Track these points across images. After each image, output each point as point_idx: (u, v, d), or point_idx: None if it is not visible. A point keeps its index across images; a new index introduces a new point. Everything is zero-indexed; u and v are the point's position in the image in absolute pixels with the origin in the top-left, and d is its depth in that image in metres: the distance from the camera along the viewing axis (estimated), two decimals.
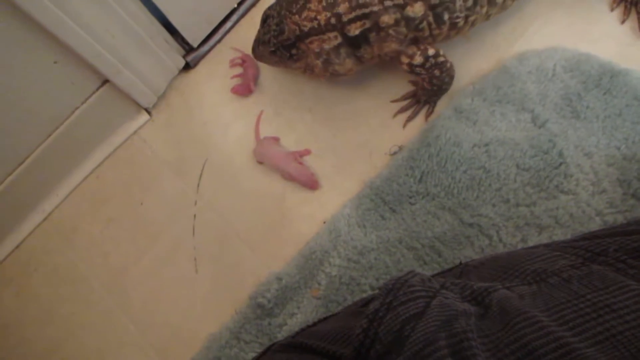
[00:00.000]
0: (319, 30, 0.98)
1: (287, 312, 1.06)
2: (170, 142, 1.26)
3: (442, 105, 1.13)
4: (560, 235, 0.99)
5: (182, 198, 1.21)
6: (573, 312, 0.52)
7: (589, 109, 1.05)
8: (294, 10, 0.98)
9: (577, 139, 1.04)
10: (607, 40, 1.10)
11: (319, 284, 1.06)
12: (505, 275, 0.65)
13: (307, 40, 1.00)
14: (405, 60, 1.02)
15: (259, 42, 1.07)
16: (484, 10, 1.01)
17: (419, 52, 1.01)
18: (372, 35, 0.98)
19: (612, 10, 1.12)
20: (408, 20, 0.96)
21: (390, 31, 0.97)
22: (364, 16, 0.95)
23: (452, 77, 1.07)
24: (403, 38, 0.99)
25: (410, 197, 1.07)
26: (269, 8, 1.05)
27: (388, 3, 0.94)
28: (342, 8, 0.95)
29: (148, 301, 1.16)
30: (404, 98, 1.15)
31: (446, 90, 1.10)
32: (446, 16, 0.97)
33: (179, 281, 1.16)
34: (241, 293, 1.10)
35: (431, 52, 1.01)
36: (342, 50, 1.00)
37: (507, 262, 0.68)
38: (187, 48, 1.28)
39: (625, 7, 1.11)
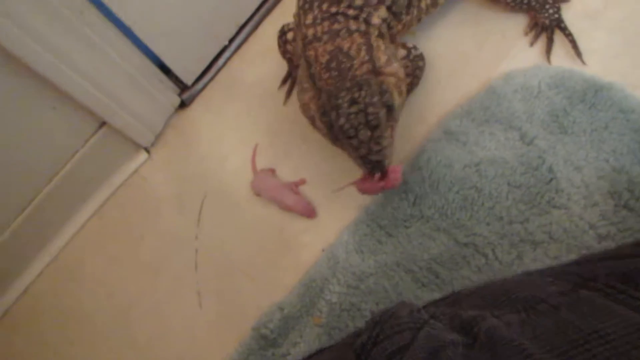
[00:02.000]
0: (369, 47, 0.98)
1: (290, 341, 1.08)
2: (170, 179, 1.29)
3: (431, 127, 1.15)
4: (554, 250, 1.00)
5: (184, 233, 1.23)
6: (561, 339, 0.52)
7: (576, 124, 1.07)
8: (348, 65, 0.96)
9: (566, 154, 1.05)
10: (590, 55, 1.12)
11: (320, 311, 1.07)
12: (495, 303, 0.66)
13: (377, 63, 0.97)
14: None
15: (376, 146, 0.93)
16: (414, 12, 1.10)
17: (400, 47, 1.07)
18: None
19: (525, 34, 1.19)
20: (382, 20, 1.04)
21: (382, 29, 1.03)
22: (365, 21, 1.01)
23: (424, 71, 1.14)
24: (387, 35, 1.05)
25: (405, 221, 1.09)
26: (339, 121, 0.94)
27: (365, 10, 1.01)
28: (352, 25, 1.00)
29: (153, 337, 1.17)
30: None
31: (417, 84, 1.16)
32: (398, 11, 1.06)
33: (183, 315, 1.17)
34: (244, 324, 1.12)
35: (409, 45, 1.09)
36: (389, 47, 1.04)
37: (499, 290, 0.69)
38: (182, 86, 1.31)
39: (535, 32, 1.17)
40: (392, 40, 1.09)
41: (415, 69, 1.11)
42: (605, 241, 0.98)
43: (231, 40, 1.34)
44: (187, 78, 1.30)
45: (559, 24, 1.14)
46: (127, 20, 1.09)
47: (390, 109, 0.94)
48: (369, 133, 0.91)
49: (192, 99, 1.34)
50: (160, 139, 1.33)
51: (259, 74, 1.33)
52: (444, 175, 1.09)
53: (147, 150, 1.31)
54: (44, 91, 1.00)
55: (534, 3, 1.14)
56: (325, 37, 0.99)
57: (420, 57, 1.11)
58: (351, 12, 1.00)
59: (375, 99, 0.92)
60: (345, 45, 0.97)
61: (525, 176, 1.05)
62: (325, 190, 1.17)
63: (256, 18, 1.37)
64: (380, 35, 1.04)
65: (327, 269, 1.09)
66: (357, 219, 1.12)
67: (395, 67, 0.99)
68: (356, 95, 0.92)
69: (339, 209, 1.15)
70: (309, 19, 1.01)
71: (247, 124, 1.29)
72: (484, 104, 1.12)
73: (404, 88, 1.01)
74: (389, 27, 1.06)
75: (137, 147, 1.29)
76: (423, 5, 1.12)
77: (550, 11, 1.14)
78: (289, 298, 1.09)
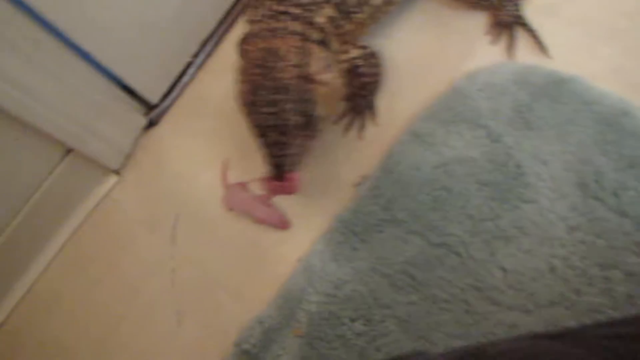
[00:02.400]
0: (303, 53, 0.99)
1: (272, 354, 1.08)
2: (142, 200, 1.28)
3: (399, 130, 1.16)
4: (527, 244, 1.01)
5: (159, 253, 1.23)
6: None
7: (541, 118, 1.08)
8: (275, 65, 0.97)
9: (533, 149, 1.07)
10: (551, 50, 1.13)
11: (300, 322, 1.07)
12: None
13: (308, 70, 0.98)
14: (344, 57, 1.07)
15: (280, 151, 0.95)
16: (367, 10, 1.09)
17: (352, 47, 1.08)
18: (324, 35, 1.04)
19: (487, 34, 1.19)
20: (329, 18, 1.04)
21: (327, 28, 1.04)
22: (309, 22, 1.02)
23: (383, 68, 1.14)
24: (335, 35, 1.06)
25: (378, 226, 1.09)
26: (254, 116, 0.97)
27: (310, 8, 1.02)
28: (292, 26, 1.00)
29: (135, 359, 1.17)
30: (343, 116, 1.19)
31: (381, 83, 1.15)
32: (347, 10, 1.06)
33: (163, 336, 1.17)
34: (226, 340, 1.11)
35: (361, 43, 1.09)
36: (327, 56, 1.03)
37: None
38: (148, 106, 1.31)
39: (496, 30, 1.18)
40: (343, 40, 1.09)
41: (371, 68, 1.11)
42: (576, 232, 1.00)
43: (195, 56, 1.34)
44: (153, 97, 1.29)
45: (520, 21, 1.16)
46: (86, 46, 1.09)
47: (309, 119, 0.95)
48: (276, 136, 0.93)
49: (160, 117, 1.33)
50: (129, 160, 1.32)
51: (226, 87, 1.31)
52: (414, 178, 1.09)
53: (117, 172, 1.31)
54: (4, 123, 0.99)
55: (494, 0, 1.15)
56: (263, 34, 1.00)
57: (373, 54, 1.11)
58: (296, 10, 1.01)
59: (291, 105, 0.93)
60: (279, 45, 0.98)
61: (493, 173, 1.06)
62: (298, 201, 1.17)
63: (219, 32, 1.36)
64: (325, 36, 1.04)
65: (304, 279, 1.09)
66: (330, 227, 1.12)
67: (328, 77, 1.00)
68: (274, 97, 0.93)
69: (312, 219, 1.15)
70: (255, 16, 1.03)
71: (217, 139, 1.29)
72: (450, 104, 1.13)
73: (334, 100, 1.04)
74: (337, 27, 1.06)
75: (107, 170, 1.29)
76: (376, 2, 1.11)
77: (511, 8, 1.15)
78: (268, 311, 1.09)
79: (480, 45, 1.18)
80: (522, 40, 1.16)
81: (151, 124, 1.33)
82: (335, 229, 1.11)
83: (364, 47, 1.09)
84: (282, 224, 1.15)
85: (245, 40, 1.03)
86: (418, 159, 1.11)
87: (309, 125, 0.96)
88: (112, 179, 1.30)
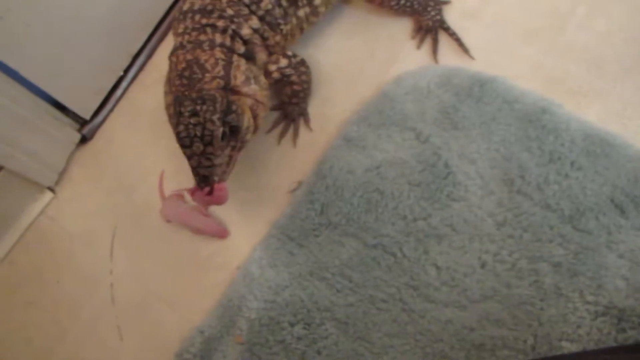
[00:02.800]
0: (228, 64, 1.00)
1: None
2: (78, 216, 1.27)
3: (332, 136, 1.18)
4: (458, 241, 1.05)
5: (97, 269, 1.21)
6: None
7: (466, 118, 1.12)
8: (199, 76, 0.98)
9: (460, 148, 1.10)
10: (473, 52, 1.18)
11: (241, 329, 1.08)
12: None
13: (232, 81, 0.99)
14: (273, 67, 1.09)
15: (207, 161, 0.94)
16: (294, 21, 1.13)
17: (279, 57, 1.10)
18: (250, 47, 1.06)
19: (412, 38, 1.24)
20: (255, 30, 1.07)
21: (254, 39, 1.06)
22: (234, 34, 1.03)
23: (311, 75, 1.16)
24: (262, 45, 1.09)
25: (314, 230, 1.11)
26: (179, 127, 0.96)
27: (236, 21, 1.04)
28: (218, 38, 1.01)
29: None
30: (277, 124, 1.22)
31: (311, 89, 1.18)
32: (274, 22, 1.09)
33: (105, 352, 1.16)
34: (168, 352, 1.11)
35: (289, 53, 1.11)
36: (252, 68, 1.05)
37: None
38: (81, 121, 1.30)
39: (420, 35, 1.23)
40: (272, 51, 1.11)
41: (300, 75, 1.13)
42: (504, 227, 1.03)
43: (127, 70, 1.33)
44: (85, 112, 1.28)
45: (442, 25, 1.19)
46: (11, 62, 1.07)
47: (234, 129, 0.96)
48: (201, 147, 0.93)
49: (94, 132, 1.32)
50: (64, 176, 1.30)
51: (159, 100, 1.31)
52: (347, 181, 1.11)
53: (51, 189, 1.29)
54: None
55: (416, 6, 1.19)
56: (189, 46, 1.01)
57: (301, 62, 1.13)
58: (220, 23, 1.02)
59: (217, 116, 0.93)
60: (204, 57, 0.99)
61: (423, 173, 1.09)
62: (235, 210, 1.18)
63: (150, 45, 1.37)
64: (251, 49, 1.06)
65: (244, 286, 1.10)
66: (267, 234, 1.13)
67: (254, 89, 1.02)
68: (198, 107, 0.94)
69: (250, 227, 1.16)
70: (181, 29, 1.04)
71: (152, 152, 1.29)
72: (379, 108, 1.16)
73: (260, 111, 1.04)
74: (264, 38, 1.09)
75: (41, 187, 1.27)
76: (302, 14, 1.14)
77: (433, 13, 1.19)
78: (208, 320, 1.09)
79: (407, 50, 1.22)
80: (446, 43, 1.20)
81: (85, 139, 1.31)
82: (272, 235, 1.12)
83: (292, 56, 1.11)
84: (220, 233, 1.15)
85: (172, 52, 1.03)
86: (351, 163, 1.13)
87: (234, 136, 0.97)
88: (47, 196, 1.28)
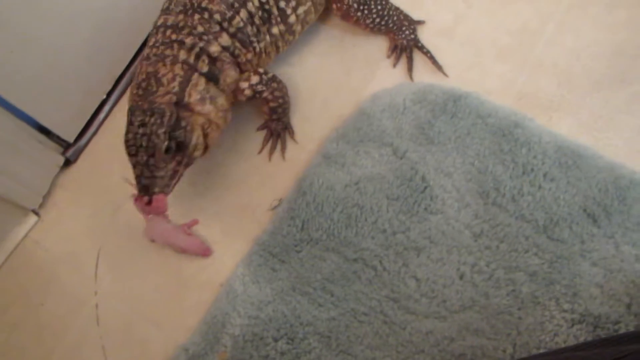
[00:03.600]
0: (185, 82, 1.03)
1: None
2: (63, 239, 1.28)
3: (311, 153, 1.20)
4: (436, 253, 1.07)
5: (82, 290, 1.22)
6: None
7: (441, 134, 1.15)
8: (154, 89, 1.02)
9: (436, 162, 1.13)
10: (447, 69, 1.21)
11: (225, 346, 1.09)
12: None
13: (186, 98, 1.02)
14: (245, 85, 1.12)
15: (149, 171, 0.98)
16: (267, 39, 1.16)
17: (251, 74, 1.13)
18: (216, 67, 1.08)
19: (388, 57, 1.28)
20: (225, 48, 1.09)
21: (222, 56, 1.08)
22: (201, 52, 1.06)
23: (287, 90, 1.19)
24: (232, 63, 1.10)
25: (296, 246, 1.12)
26: (128, 135, 1.01)
27: (205, 38, 1.06)
28: (182, 55, 1.04)
29: None
30: (265, 143, 1.25)
31: (288, 104, 1.21)
32: (246, 40, 1.12)
33: None
34: None
35: (260, 70, 1.14)
36: (211, 88, 1.07)
37: None
38: (65, 144, 1.31)
39: (395, 54, 1.26)
40: (243, 68, 1.14)
41: (273, 92, 1.15)
42: (480, 238, 1.06)
43: (109, 94, 1.35)
44: (69, 136, 1.30)
45: (416, 44, 1.23)
46: None
47: (180, 145, 0.99)
48: (145, 158, 0.97)
49: (77, 155, 1.34)
50: (48, 199, 1.32)
51: None
52: (327, 197, 1.14)
53: (36, 212, 1.30)
54: None
55: (391, 25, 1.23)
56: (153, 59, 1.04)
57: (273, 79, 1.16)
58: (189, 40, 1.05)
59: (163, 130, 0.97)
60: (163, 71, 1.02)
61: (401, 188, 1.12)
62: (218, 228, 1.20)
63: (133, 68, 1.38)
64: (216, 68, 1.09)
65: (227, 303, 1.11)
66: (250, 250, 1.15)
67: (208, 109, 1.05)
68: (147, 119, 0.97)
69: (233, 244, 1.18)
70: (151, 42, 1.07)
71: None
72: (357, 125, 1.19)
73: (213, 132, 1.07)
74: (234, 56, 1.11)
75: (25, 210, 1.28)
76: (276, 31, 1.17)
77: (407, 32, 1.23)
78: (193, 338, 1.10)
79: (383, 68, 1.25)
80: (420, 61, 1.23)
81: (69, 161, 1.33)
82: (255, 252, 1.14)
83: (263, 73, 1.14)
84: (203, 251, 1.17)
85: (141, 58, 1.07)
86: (330, 180, 1.15)
87: (180, 151, 1.00)
88: (32, 220, 1.29)
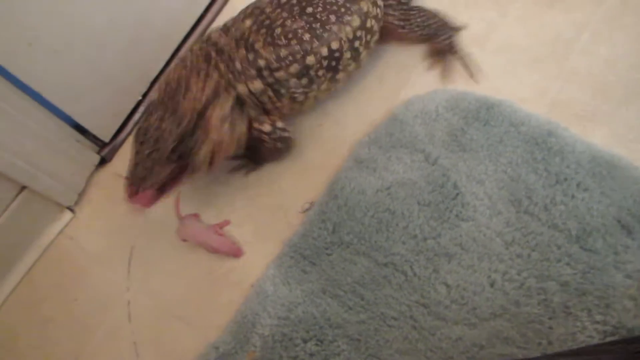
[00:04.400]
0: (214, 95, 1.04)
1: None
2: (97, 236, 1.30)
3: (343, 157, 1.21)
4: (467, 260, 1.07)
5: (114, 287, 1.24)
6: None
7: (473, 141, 1.15)
8: (183, 93, 1.03)
9: (468, 169, 1.13)
10: (480, 77, 1.23)
11: (255, 346, 1.10)
12: None
13: (208, 112, 1.03)
14: (256, 125, 1.13)
15: (144, 166, 1.00)
16: (324, 86, 1.14)
17: (269, 122, 1.13)
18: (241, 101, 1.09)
19: (425, 61, 1.29)
20: (252, 93, 1.08)
21: (246, 99, 1.09)
22: (228, 84, 1.07)
23: (289, 149, 1.21)
24: (256, 107, 1.11)
25: (327, 249, 1.13)
26: (142, 124, 1.03)
27: (237, 76, 1.07)
28: (215, 75, 1.05)
29: None
30: (236, 158, 1.27)
31: (273, 160, 1.24)
32: (284, 91, 1.10)
33: None
34: None
35: (279, 124, 1.14)
36: (235, 113, 1.08)
37: None
38: (100, 144, 1.34)
39: (433, 58, 1.27)
40: (267, 112, 1.14)
41: (274, 146, 1.17)
42: (512, 246, 1.06)
43: (145, 95, 1.38)
44: (105, 135, 1.32)
45: (453, 49, 1.24)
46: (36, 87, 1.12)
47: (183, 155, 1.01)
48: (149, 151, 0.98)
49: (112, 154, 1.37)
50: (83, 197, 1.34)
51: None
52: (359, 201, 1.14)
53: (71, 209, 1.33)
54: None
55: (432, 33, 1.23)
56: (189, 65, 1.06)
57: (282, 139, 1.17)
58: (223, 68, 1.06)
59: (177, 132, 0.99)
60: (195, 79, 1.03)
61: (433, 194, 1.12)
62: (249, 229, 1.21)
63: (168, 70, 1.41)
64: (245, 101, 1.09)
65: (257, 303, 1.12)
66: (281, 252, 1.16)
67: (225, 132, 1.05)
68: (166, 116, 0.99)
69: (264, 246, 1.19)
70: (196, 46, 1.10)
71: None
72: (389, 131, 1.19)
73: (221, 155, 1.08)
74: (261, 101, 1.11)
75: (61, 207, 1.30)
76: (340, 76, 1.17)
77: (444, 37, 1.24)
78: (223, 337, 1.12)
79: (415, 75, 1.26)
80: (455, 68, 1.23)
81: (104, 160, 1.35)
82: (286, 254, 1.15)
83: (278, 128, 1.15)
84: (235, 252, 1.18)
85: (179, 59, 1.09)
86: (362, 184, 1.16)
87: (183, 158, 1.02)
88: (67, 216, 1.31)
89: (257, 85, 1.08)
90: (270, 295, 1.12)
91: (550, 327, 0.98)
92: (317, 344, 1.07)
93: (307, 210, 1.19)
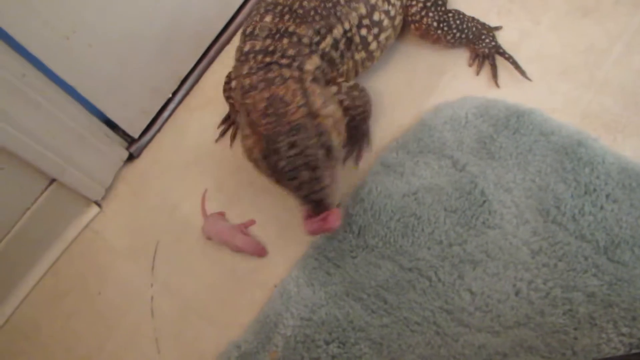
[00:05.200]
0: (304, 93, 1.03)
1: None
2: (122, 231, 1.32)
3: (371, 161, 1.22)
4: (493, 267, 1.06)
5: (138, 282, 1.25)
6: None
7: (502, 149, 1.14)
8: (283, 110, 0.99)
9: (496, 177, 1.13)
10: (511, 85, 1.22)
11: (277, 346, 1.10)
12: None
13: (313, 106, 1.02)
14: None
15: (318, 186, 0.98)
16: (350, 65, 1.19)
17: (336, 88, 1.14)
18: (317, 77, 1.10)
19: (470, 66, 1.27)
20: (317, 68, 1.10)
21: (317, 74, 1.10)
22: (300, 68, 1.07)
23: (369, 98, 1.19)
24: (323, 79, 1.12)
25: (351, 251, 1.13)
26: (280, 163, 0.98)
27: (298, 59, 1.07)
28: (286, 72, 1.05)
29: None
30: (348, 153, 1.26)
31: (368, 112, 1.21)
32: (333, 60, 1.14)
33: None
34: None
35: (340, 80, 1.16)
36: (323, 90, 1.08)
37: None
38: (129, 140, 1.35)
39: (478, 62, 1.26)
40: (328, 83, 1.15)
41: (354, 99, 1.15)
42: (538, 256, 1.05)
43: (174, 93, 1.40)
44: (134, 131, 1.34)
45: (498, 50, 1.24)
46: (71, 81, 1.14)
47: (329, 149, 0.99)
48: (308, 174, 0.96)
49: (141, 151, 1.38)
50: (110, 192, 1.36)
51: (203, 123, 1.39)
52: (385, 205, 1.14)
53: (98, 204, 1.34)
54: None
55: (471, 36, 1.24)
56: (261, 85, 1.03)
57: (354, 87, 1.16)
58: (284, 61, 1.06)
59: (313, 141, 0.97)
60: (281, 91, 1.01)
61: (460, 200, 1.12)
62: (274, 229, 1.21)
63: (197, 71, 1.43)
64: (315, 80, 1.09)
65: (281, 304, 1.12)
66: (305, 253, 1.16)
67: (332, 109, 1.05)
68: (294, 138, 0.96)
69: (288, 246, 1.19)
70: (245, 70, 1.07)
71: (196, 172, 1.33)
72: (417, 136, 1.19)
73: (342, 128, 1.07)
74: (324, 74, 1.12)
75: (88, 201, 1.32)
76: (358, 57, 1.19)
77: (487, 40, 1.24)
78: (245, 336, 1.12)
79: (445, 81, 1.26)
80: (486, 76, 1.23)
81: (132, 157, 1.37)
82: (310, 255, 1.15)
83: (349, 87, 1.15)
84: (259, 252, 1.19)
85: (243, 95, 1.05)
86: (389, 188, 1.16)
87: (330, 155, 1.00)
88: (94, 210, 1.33)
89: (315, 60, 1.09)
90: (293, 296, 1.12)
91: (575, 338, 0.97)
92: (339, 346, 1.07)
93: None
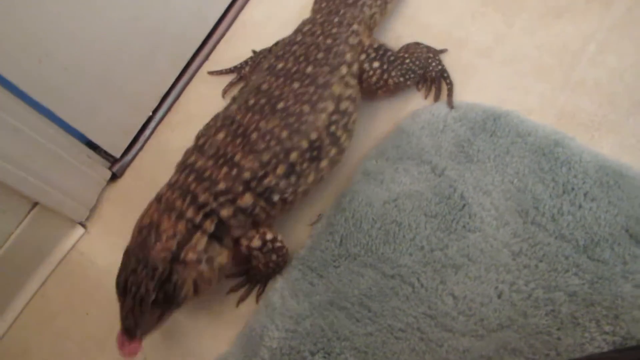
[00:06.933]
0: (185, 241, 1.00)
1: None
2: (108, 251, 1.32)
3: (351, 170, 1.22)
4: (474, 271, 1.07)
5: None
6: None
7: (480, 152, 1.15)
8: (152, 242, 0.98)
9: (475, 180, 1.13)
10: (488, 88, 1.23)
11: (263, 358, 1.10)
12: None
13: (182, 256, 0.98)
14: (244, 242, 1.07)
15: (133, 316, 0.97)
16: (310, 178, 1.10)
17: (257, 236, 1.07)
18: (224, 227, 1.04)
19: (419, 90, 1.29)
20: (242, 210, 1.03)
21: (232, 222, 1.03)
22: (210, 213, 1.02)
23: (286, 262, 1.15)
24: (244, 224, 1.06)
25: (334, 261, 1.14)
26: (120, 276, 0.99)
27: (221, 199, 1.02)
28: (189, 213, 1.01)
29: None
30: (239, 273, 1.20)
31: (280, 272, 1.16)
32: (276, 197, 1.05)
33: None
34: None
35: (269, 236, 1.08)
36: (211, 247, 1.03)
37: None
38: (111, 160, 1.36)
39: (426, 86, 1.27)
40: (256, 225, 1.09)
41: (268, 262, 1.12)
42: (519, 257, 1.05)
43: (155, 111, 1.40)
44: (116, 151, 1.34)
45: (443, 74, 1.25)
46: (48, 104, 1.14)
47: (169, 297, 0.97)
48: (131, 304, 0.96)
49: (123, 170, 1.39)
50: (95, 212, 1.36)
51: (186, 140, 1.38)
52: (366, 214, 1.15)
53: (83, 224, 1.35)
54: None
55: (420, 70, 1.24)
56: (162, 206, 1.03)
57: (277, 250, 1.11)
58: (203, 197, 1.01)
59: (153, 284, 0.95)
60: (165, 225, 1.00)
61: (440, 205, 1.12)
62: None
63: (177, 87, 1.43)
64: (225, 229, 1.04)
65: (266, 316, 1.13)
66: (289, 265, 1.16)
67: (202, 269, 1.01)
68: (139, 269, 0.96)
69: None
70: (173, 180, 1.07)
71: None
72: (396, 143, 1.20)
73: (204, 287, 1.03)
74: (252, 215, 1.06)
75: (72, 222, 1.32)
76: (324, 164, 1.12)
77: (434, 64, 1.24)
78: (232, 350, 1.12)
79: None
80: (460, 82, 1.24)
81: (115, 176, 1.37)
82: (293, 266, 1.15)
83: (270, 240, 1.09)
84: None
85: (156, 197, 1.06)
86: (369, 196, 1.16)
87: (169, 303, 0.98)
88: (79, 232, 1.33)
89: (247, 199, 1.02)
90: (278, 307, 1.13)
91: (559, 338, 0.97)
92: (324, 357, 1.07)
93: (314, 223, 1.20)
